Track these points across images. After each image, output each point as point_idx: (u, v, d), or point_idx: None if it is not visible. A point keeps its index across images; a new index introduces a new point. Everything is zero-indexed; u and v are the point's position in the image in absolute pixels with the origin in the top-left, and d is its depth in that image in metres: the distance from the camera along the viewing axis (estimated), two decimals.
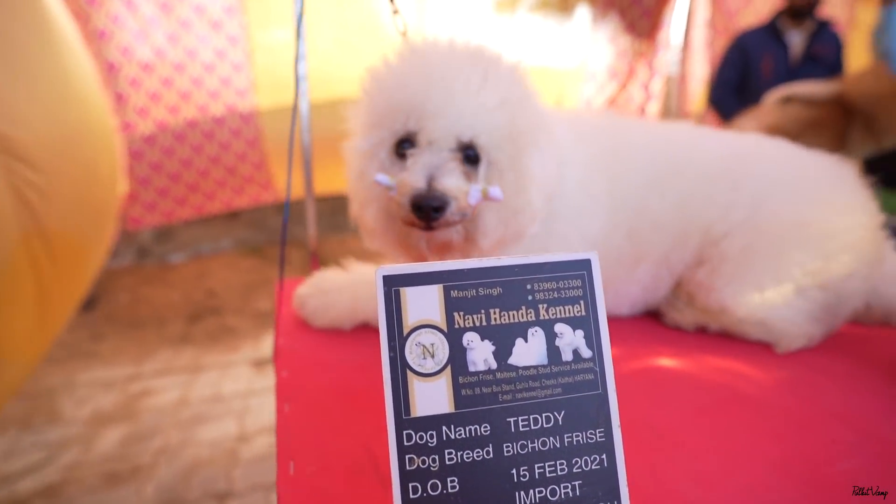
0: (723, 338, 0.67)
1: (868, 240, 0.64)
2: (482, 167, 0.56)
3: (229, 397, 2.02)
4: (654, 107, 2.96)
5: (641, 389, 0.53)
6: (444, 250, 0.58)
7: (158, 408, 1.95)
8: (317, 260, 0.93)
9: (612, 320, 0.70)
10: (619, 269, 0.68)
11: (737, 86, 2.14)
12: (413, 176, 0.52)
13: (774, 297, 0.62)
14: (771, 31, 2.07)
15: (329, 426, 0.50)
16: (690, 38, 2.76)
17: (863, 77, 1.52)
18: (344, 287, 0.68)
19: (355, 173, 0.61)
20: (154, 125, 2.32)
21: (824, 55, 2.00)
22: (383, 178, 0.55)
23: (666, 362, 0.60)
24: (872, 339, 0.68)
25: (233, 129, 2.50)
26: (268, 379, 2.16)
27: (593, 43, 2.82)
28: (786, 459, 0.43)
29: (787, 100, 1.53)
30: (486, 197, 0.53)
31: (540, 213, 0.59)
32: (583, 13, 2.79)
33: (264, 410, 1.94)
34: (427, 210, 0.50)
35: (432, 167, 0.52)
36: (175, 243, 2.66)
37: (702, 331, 0.69)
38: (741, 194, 0.65)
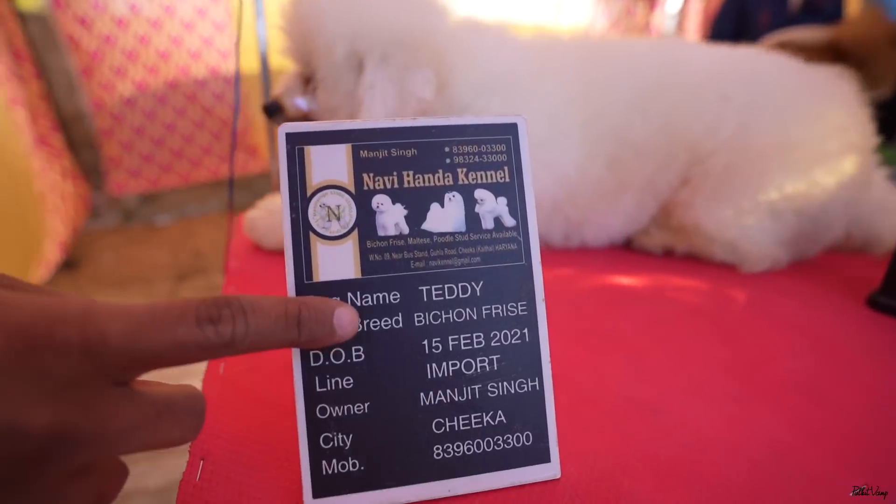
0: (688, 261, 0.65)
1: (856, 164, 0.61)
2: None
3: None
4: None
5: (593, 303, 0.51)
6: None
7: None
8: None
9: (579, 249, 0.68)
10: (601, 201, 0.65)
11: (732, 39, 2.07)
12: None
13: (747, 217, 0.60)
14: None
15: None
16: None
17: (856, 23, 1.46)
18: None
19: None
20: (133, 86, 2.24)
21: (824, 6, 1.93)
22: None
23: (624, 280, 0.57)
24: (844, 264, 0.66)
25: (216, 92, 2.43)
26: None
27: (596, 4, 2.74)
28: (730, 360, 0.41)
29: (782, 46, 1.48)
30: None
31: None
32: None
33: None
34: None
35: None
36: (161, 206, 2.64)
37: (668, 254, 0.67)
38: (729, 110, 0.61)
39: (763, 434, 0.33)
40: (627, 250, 0.70)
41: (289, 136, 0.29)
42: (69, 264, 1.78)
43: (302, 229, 0.28)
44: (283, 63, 0.66)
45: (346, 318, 0.26)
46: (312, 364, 0.28)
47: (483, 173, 0.30)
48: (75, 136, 2.16)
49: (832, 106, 0.63)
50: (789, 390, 0.38)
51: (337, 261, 0.28)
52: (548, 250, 0.67)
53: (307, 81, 0.62)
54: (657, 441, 0.33)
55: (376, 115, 0.55)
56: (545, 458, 0.30)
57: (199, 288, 2.44)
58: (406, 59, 0.54)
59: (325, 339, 0.26)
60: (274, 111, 0.63)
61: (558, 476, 0.30)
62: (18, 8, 1.93)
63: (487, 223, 0.30)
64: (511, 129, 0.31)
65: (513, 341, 0.30)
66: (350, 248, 0.29)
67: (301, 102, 0.63)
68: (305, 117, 0.63)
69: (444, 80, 0.57)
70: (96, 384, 0.18)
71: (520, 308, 0.30)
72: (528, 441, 0.29)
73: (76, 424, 0.17)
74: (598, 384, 0.38)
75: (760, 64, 0.66)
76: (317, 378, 0.28)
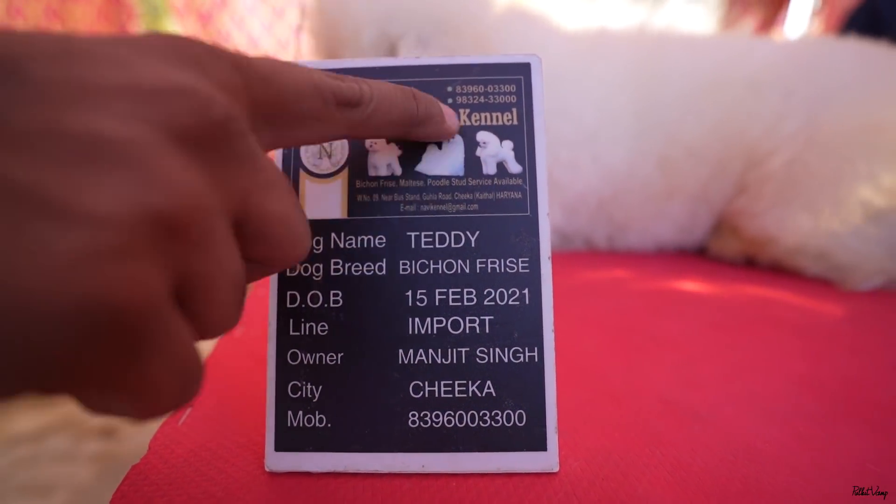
0: (775, 272, 0.55)
1: None
2: None
3: None
4: None
5: (644, 304, 0.45)
6: None
7: None
8: None
9: (639, 253, 0.61)
10: (648, 204, 0.59)
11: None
12: None
13: (833, 221, 0.49)
14: None
15: None
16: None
17: None
18: None
19: None
20: None
21: None
22: None
23: (689, 286, 0.50)
24: None
25: None
26: None
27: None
28: (810, 375, 0.33)
29: None
30: None
31: None
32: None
33: None
34: None
35: None
36: None
37: (750, 264, 0.57)
38: (793, 105, 0.53)
39: (841, 458, 0.26)
40: (700, 258, 0.61)
41: None
42: None
43: (293, 166, 0.27)
44: None
45: (450, 111, 0.26)
46: (289, 305, 0.26)
47: (488, 115, 0.27)
48: None
49: None
50: (889, 415, 0.29)
51: (324, 199, 0.27)
52: (599, 252, 0.61)
53: None
54: (694, 449, 0.26)
55: None
56: (540, 446, 0.25)
57: None
58: (448, 46, 0.53)
59: (438, 121, 0.25)
60: None
61: (555, 469, 0.25)
62: None
63: (489, 168, 0.27)
64: (523, 70, 0.28)
65: (510, 302, 0.26)
66: (339, 186, 0.27)
67: None
68: None
69: None
70: (242, 105, 0.16)
71: (520, 265, 0.26)
72: (519, 421, 0.25)
73: (238, 116, 0.15)
74: (630, 382, 0.32)
75: (834, 51, 0.57)
76: (291, 321, 0.26)
